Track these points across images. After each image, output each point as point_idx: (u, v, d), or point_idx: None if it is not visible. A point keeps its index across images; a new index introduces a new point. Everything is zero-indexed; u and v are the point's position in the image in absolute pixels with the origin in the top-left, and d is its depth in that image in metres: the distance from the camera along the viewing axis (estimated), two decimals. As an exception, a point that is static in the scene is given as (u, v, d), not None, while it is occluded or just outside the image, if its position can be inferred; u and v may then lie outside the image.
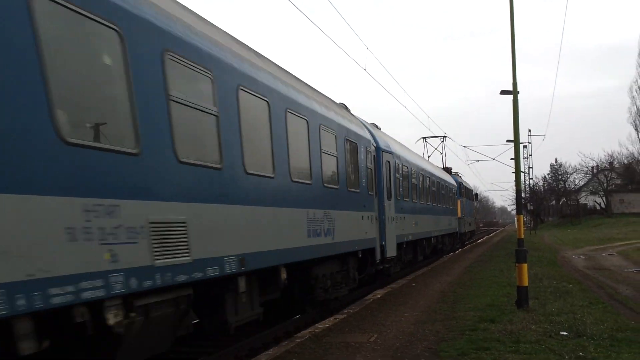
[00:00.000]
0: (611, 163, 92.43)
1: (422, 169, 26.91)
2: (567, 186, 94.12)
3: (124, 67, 6.70)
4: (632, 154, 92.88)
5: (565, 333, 10.54)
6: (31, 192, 5.35)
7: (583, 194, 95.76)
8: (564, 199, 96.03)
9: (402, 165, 21.92)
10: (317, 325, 12.64)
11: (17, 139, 5.28)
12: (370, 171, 16.83)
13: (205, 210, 8.04)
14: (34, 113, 5.48)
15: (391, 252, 18.59)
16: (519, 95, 15.23)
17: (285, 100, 11.05)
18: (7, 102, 5.23)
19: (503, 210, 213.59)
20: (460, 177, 45.01)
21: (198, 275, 7.73)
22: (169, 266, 7.14)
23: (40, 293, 5.30)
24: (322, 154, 12.71)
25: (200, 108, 8.18)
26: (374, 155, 17.76)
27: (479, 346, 9.55)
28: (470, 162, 61.72)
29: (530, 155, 67.01)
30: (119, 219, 6.34)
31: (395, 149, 21.52)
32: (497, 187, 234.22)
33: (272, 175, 10.18)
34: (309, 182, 11.96)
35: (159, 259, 6.95)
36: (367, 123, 19.39)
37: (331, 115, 13.76)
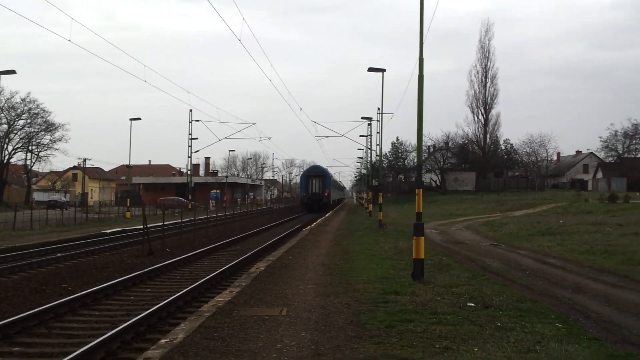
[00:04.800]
0: (447, 143, 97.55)
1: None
2: (407, 164, 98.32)
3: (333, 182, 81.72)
4: (467, 134, 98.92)
5: (472, 304, 10.88)
6: None
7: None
8: (403, 176, 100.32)
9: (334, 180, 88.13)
10: (217, 299, 12.20)
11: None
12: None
13: None
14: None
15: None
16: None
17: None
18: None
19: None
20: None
21: None
22: None
23: None
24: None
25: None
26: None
27: (401, 318, 9.59)
28: (320, 137, 62.58)
29: (378, 132, 68.64)
30: None
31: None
32: (338, 163, 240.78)
33: None
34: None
35: None
36: None
37: None
